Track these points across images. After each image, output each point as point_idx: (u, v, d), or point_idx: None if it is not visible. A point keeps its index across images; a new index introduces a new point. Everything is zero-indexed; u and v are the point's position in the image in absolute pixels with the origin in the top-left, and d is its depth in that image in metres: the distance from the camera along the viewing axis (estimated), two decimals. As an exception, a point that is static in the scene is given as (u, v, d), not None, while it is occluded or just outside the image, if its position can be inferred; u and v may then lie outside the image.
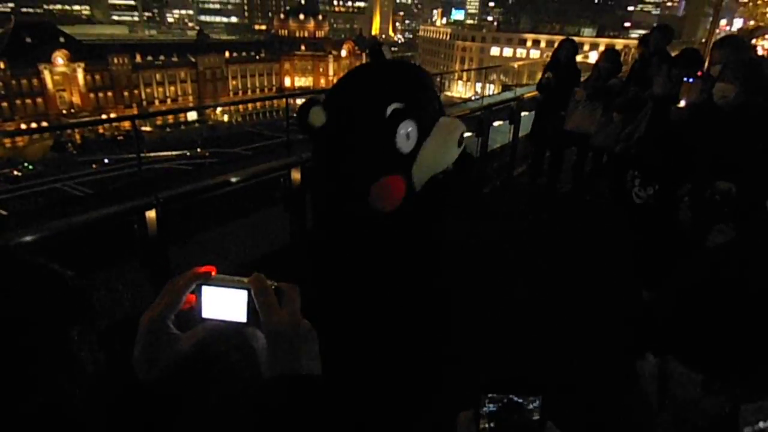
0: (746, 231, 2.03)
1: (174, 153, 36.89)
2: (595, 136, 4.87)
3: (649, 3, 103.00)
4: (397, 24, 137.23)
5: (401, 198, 1.07)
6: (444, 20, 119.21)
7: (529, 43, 73.41)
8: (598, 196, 5.31)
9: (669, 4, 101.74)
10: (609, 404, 2.41)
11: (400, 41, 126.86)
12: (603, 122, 4.81)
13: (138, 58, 59.91)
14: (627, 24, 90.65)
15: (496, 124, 6.98)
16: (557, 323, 3.14)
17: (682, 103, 3.13)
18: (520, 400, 0.57)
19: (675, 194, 2.76)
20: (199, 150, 38.72)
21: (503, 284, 3.57)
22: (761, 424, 0.85)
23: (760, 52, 9.44)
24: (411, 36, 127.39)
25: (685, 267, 1.78)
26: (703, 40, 14.02)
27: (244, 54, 69.69)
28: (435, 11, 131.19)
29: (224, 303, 0.59)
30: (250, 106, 61.99)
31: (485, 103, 6.69)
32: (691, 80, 3.15)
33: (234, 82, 68.00)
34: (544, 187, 5.70)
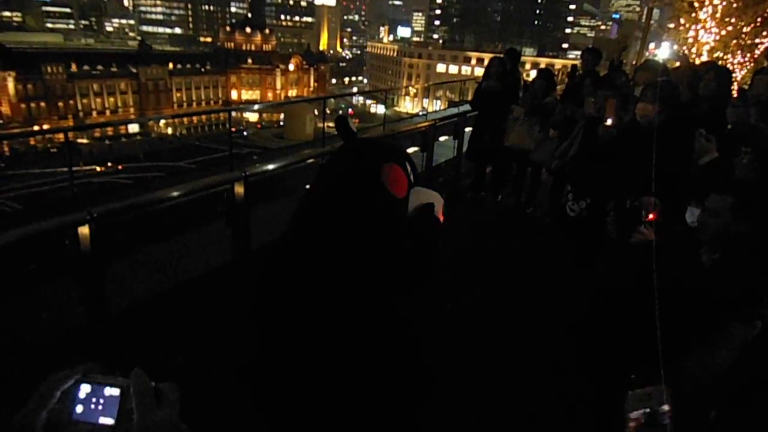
0: (666, 236, 2.18)
1: (114, 166, 35.42)
2: (533, 153, 5.08)
3: (585, 26, 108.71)
4: (345, 40, 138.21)
5: (406, 187, 1.15)
6: (391, 37, 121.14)
7: (473, 61, 75.65)
8: (538, 209, 5.52)
9: (603, 27, 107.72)
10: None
11: (347, 57, 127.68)
12: (540, 139, 5.02)
13: (74, 68, 57.19)
14: (565, 45, 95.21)
15: (441, 139, 7.14)
16: (497, 335, 3.22)
17: (609, 122, 3.33)
18: None
19: (605, 208, 2.93)
20: (140, 163, 37.34)
21: (450, 293, 3.63)
22: (646, 410, 0.92)
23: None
24: (359, 52, 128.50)
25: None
26: (634, 62, 14.91)
27: (188, 66, 67.92)
28: (382, 28, 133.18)
29: (98, 402, 0.56)
30: (195, 119, 60.22)
31: (431, 119, 6.83)
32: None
33: (178, 94, 66.11)
34: (487, 202, 5.87)
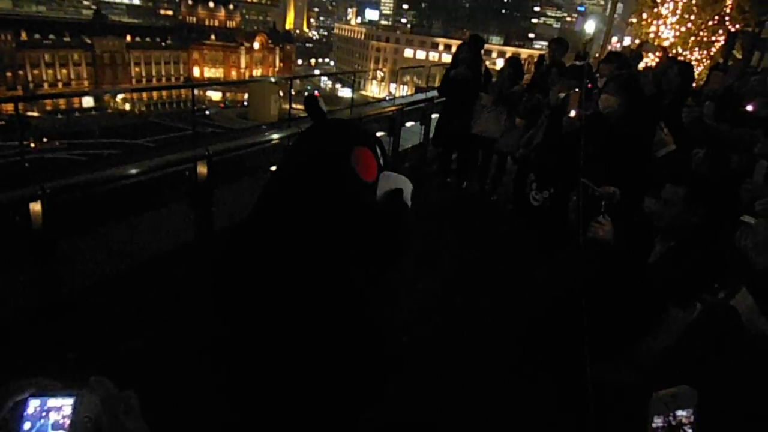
0: (624, 228, 2.26)
1: (67, 141, 33.94)
2: (499, 141, 5.14)
3: (551, 17, 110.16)
4: (312, 20, 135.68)
5: (375, 171, 1.14)
6: (359, 19, 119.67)
7: (441, 47, 75.65)
8: (502, 197, 5.60)
9: (568, 19, 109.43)
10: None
11: (314, 38, 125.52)
12: (507, 127, 5.08)
13: (23, 36, 54.22)
14: (531, 35, 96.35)
15: (408, 124, 7.14)
16: (457, 326, 3.25)
17: (572, 113, 3.40)
18: None
19: (568, 198, 3.00)
20: (95, 140, 35.89)
21: (411, 280, 3.66)
22: (677, 413, 0.88)
23: (647, 63, 10.47)
24: (326, 33, 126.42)
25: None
26: (597, 55, 15.22)
27: (147, 39, 65.32)
28: (350, 10, 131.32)
29: (47, 416, 0.53)
30: (155, 95, 58.16)
31: (398, 104, 6.82)
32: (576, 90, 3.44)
33: (137, 69, 63.59)
34: (453, 188, 5.92)
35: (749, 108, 3.74)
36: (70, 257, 3.32)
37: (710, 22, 13.59)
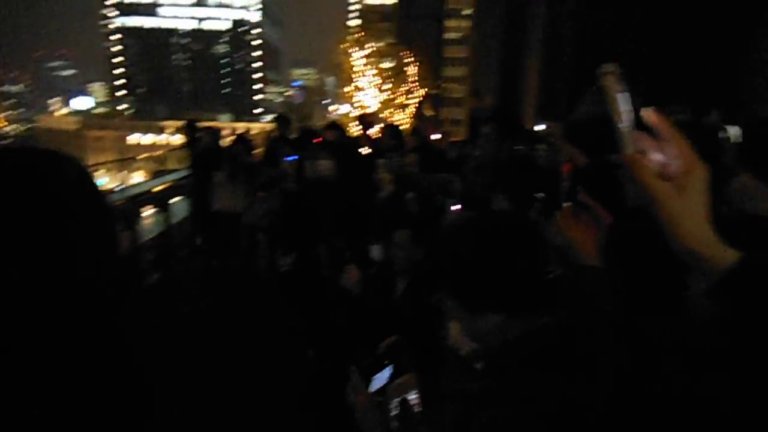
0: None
1: None
2: (245, 215, 5.21)
3: (272, 92, 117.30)
4: (8, 113, 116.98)
5: None
6: (65, 110, 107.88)
7: (169, 130, 73.14)
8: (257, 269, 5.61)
9: (287, 93, 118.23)
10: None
11: (10, 134, 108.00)
12: (249, 201, 5.20)
13: None
14: (259, 110, 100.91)
15: (148, 213, 6.66)
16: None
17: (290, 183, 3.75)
18: None
19: (311, 256, 3.21)
20: None
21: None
22: (408, 396, 1.04)
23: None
24: (29, 126, 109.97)
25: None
26: (318, 123, 16.89)
27: None
28: (51, 100, 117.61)
29: None
30: None
31: (130, 193, 6.34)
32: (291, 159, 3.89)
33: None
34: (216, 267, 5.70)
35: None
36: None
37: (403, 89, 16.50)
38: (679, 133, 0.63)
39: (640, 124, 0.64)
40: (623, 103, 0.63)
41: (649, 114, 0.63)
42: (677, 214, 0.62)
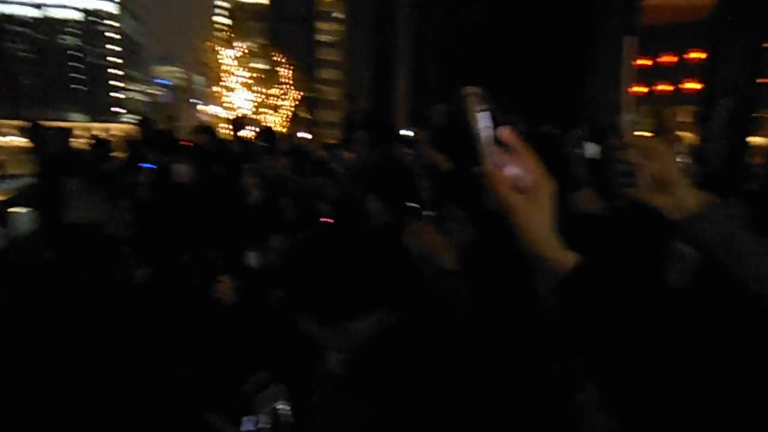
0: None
1: None
2: (106, 226, 4.78)
3: (133, 90, 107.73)
4: None
5: None
6: None
7: (5, 129, 64.24)
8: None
9: (151, 92, 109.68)
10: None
11: None
12: (110, 209, 4.78)
13: None
14: (121, 110, 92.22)
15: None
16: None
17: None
18: None
19: (174, 267, 3.07)
20: None
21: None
22: (277, 406, 1.07)
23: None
24: None
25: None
26: (186, 124, 15.99)
27: None
28: None
29: None
30: None
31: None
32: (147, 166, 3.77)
33: None
34: (72, 283, 5.15)
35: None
36: None
37: (275, 90, 16.22)
38: (529, 150, 0.75)
39: (498, 141, 0.73)
40: (483, 121, 0.72)
41: (504, 132, 0.73)
42: (526, 223, 0.74)
